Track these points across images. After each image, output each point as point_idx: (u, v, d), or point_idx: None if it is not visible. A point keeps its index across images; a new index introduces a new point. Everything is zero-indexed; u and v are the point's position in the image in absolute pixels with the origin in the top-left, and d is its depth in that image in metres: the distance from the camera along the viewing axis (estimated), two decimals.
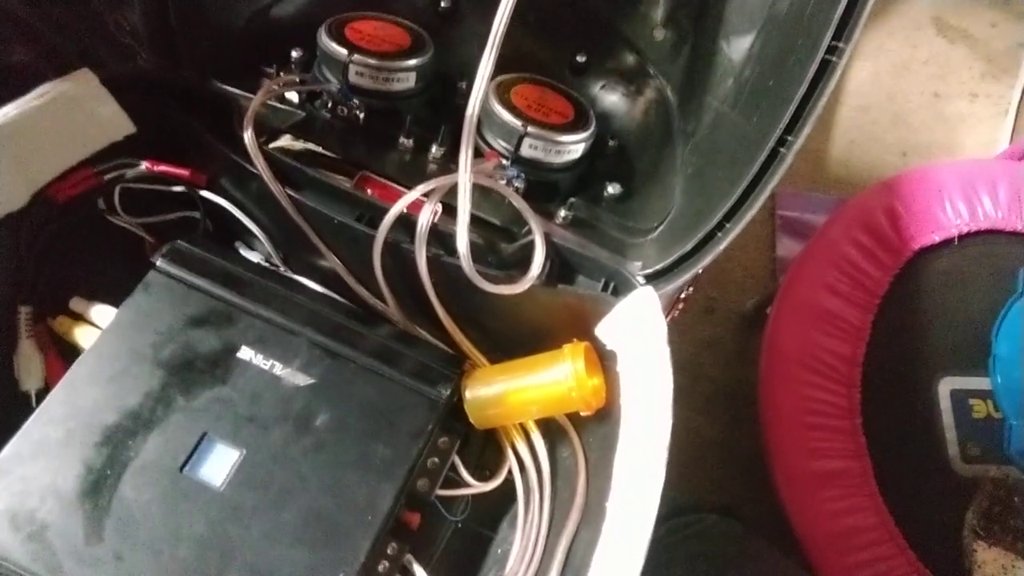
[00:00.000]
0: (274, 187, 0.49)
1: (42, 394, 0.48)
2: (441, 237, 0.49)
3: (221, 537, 0.43)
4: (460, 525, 0.52)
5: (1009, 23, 1.48)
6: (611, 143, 0.61)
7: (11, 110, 0.47)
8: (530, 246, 0.48)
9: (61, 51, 0.51)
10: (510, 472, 0.53)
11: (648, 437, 0.42)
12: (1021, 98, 1.39)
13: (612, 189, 0.58)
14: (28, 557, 0.41)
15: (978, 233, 0.84)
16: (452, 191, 0.48)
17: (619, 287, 0.49)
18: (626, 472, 0.44)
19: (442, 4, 0.63)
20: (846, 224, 0.85)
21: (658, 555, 0.63)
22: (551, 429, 0.54)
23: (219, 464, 0.45)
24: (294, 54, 0.58)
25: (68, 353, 0.51)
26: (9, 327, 0.50)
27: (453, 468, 0.51)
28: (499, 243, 0.50)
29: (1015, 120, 1.37)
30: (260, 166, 0.48)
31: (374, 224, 0.49)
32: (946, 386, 0.79)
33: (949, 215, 0.84)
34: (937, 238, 0.83)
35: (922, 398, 0.79)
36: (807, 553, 0.75)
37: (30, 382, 0.50)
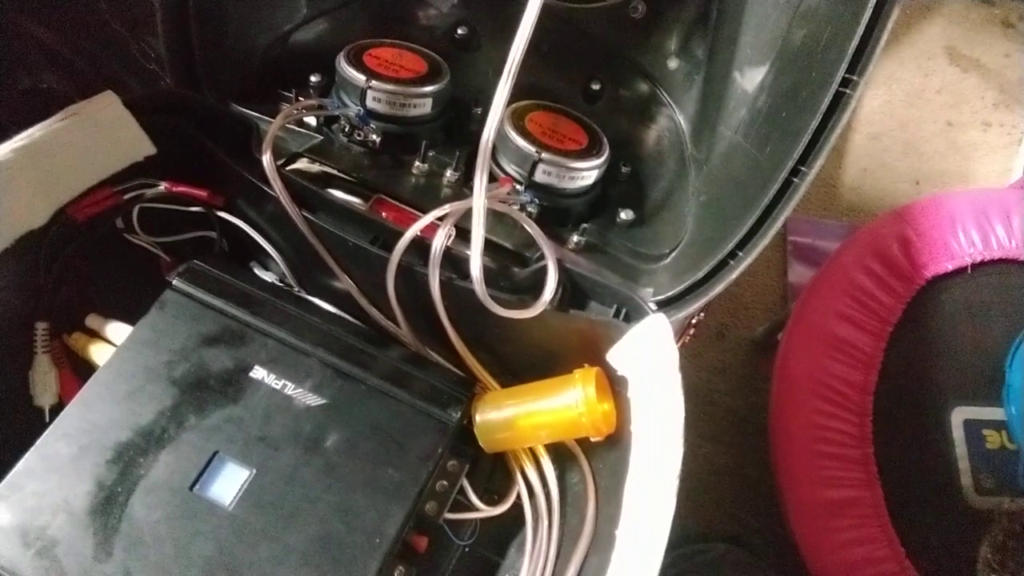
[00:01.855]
0: (291, 209, 0.49)
1: (56, 410, 0.49)
2: (454, 261, 0.49)
3: (229, 558, 0.43)
4: (468, 549, 0.52)
5: (1022, 53, 1.48)
6: (624, 169, 0.61)
7: (35, 131, 0.47)
8: (543, 271, 0.49)
9: (88, 77, 0.52)
10: (519, 497, 0.52)
11: (659, 465, 0.42)
12: None
13: (625, 215, 0.58)
14: (37, 574, 0.41)
15: (992, 262, 0.84)
16: (466, 215, 0.48)
17: (631, 313, 0.49)
18: (636, 499, 0.44)
19: (459, 32, 0.63)
20: (858, 251, 0.85)
21: None
22: (561, 454, 0.53)
23: (229, 483, 0.45)
24: (313, 79, 0.59)
25: (83, 370, 0.51)
26: (25, 343, 0.51)
27: (462, 491, 0.51)
28: (512, 268, 0.51)
29: None
30: (277, 188, 0.49)
31: (388, 247, 0.49)
32: (959, 416, 0.78)
33: (962, 244, 0.84)
34: (950, 267, 0.83)
35: (935, 428, 0.78)
36: None
37: (44, 398, 0.51)
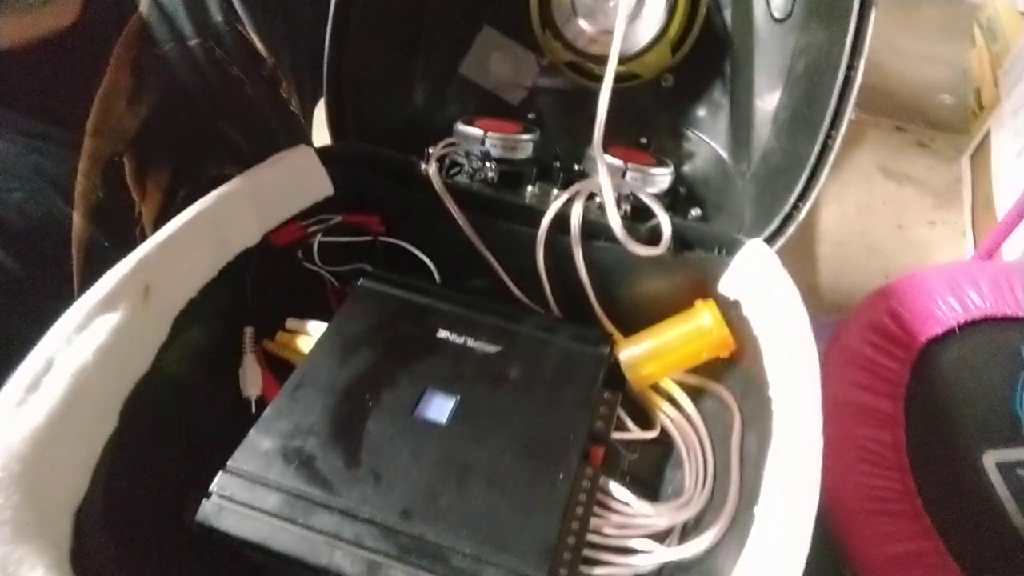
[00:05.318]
0: (452, 207, 0.63)
1: (260, 401, 0.58)
2: (587, 229, 0.62)
3: (456, 456, 0.51)
4: (628, 477, 0.59)
5: (942, 165, 1.75)
6: (681, 190, 0.76)
7: (255, 171, 0.61)
8: (657, 227, 0.62)
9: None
10: (664, 431, 0.61)
11: (793, 348, 0.51)
12: (971, 219, 1.61)
13: (695, 212, 0.73)
14: (303, 481, 0.49)
15: (975, 322, 0.91)
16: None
17: (731, 251, 0.61)
18: (781, 377, 0.52)
19: (529, 116, 0.81)
20: (857, 328, 0.92)
21: None
22: (690, 393, 0.63)
23: (441, 408, 0.54)
24: (429, 150, 0.75)
25: (278, 371, 0.60)
26: (236, 345, 0.61)
27: (618, 420, 0.60)
28: (634, 224, 0.63)
29: (973, 236, 1.58)
30: (442, 192, 0.62)
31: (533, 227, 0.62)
32: (990, 459, 0.82)
33: (944, 310, 0.92)
34: (940, 330, 0.90)
35: (972, 474, 0.81)
36: None
37: (251, 390, 0.59)
